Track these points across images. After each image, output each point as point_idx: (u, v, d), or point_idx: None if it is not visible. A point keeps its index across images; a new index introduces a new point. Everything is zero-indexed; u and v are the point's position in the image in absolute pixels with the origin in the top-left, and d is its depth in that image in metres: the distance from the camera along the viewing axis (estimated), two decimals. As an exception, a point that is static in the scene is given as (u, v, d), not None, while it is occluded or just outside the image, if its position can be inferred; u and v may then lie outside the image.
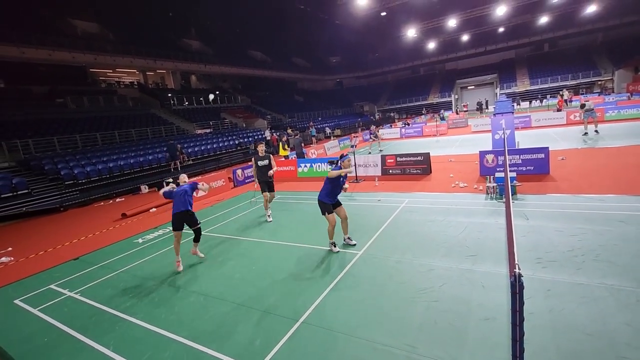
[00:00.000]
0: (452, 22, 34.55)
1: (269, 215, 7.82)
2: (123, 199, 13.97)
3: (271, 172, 7.54)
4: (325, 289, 4.35)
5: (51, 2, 24.57)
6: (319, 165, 12.84)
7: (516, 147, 10.13)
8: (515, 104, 30.71)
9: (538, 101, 33.88)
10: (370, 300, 4.01)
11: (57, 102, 23.23)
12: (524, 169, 8.81)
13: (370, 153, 15.64)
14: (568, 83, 37.37)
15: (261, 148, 7.77)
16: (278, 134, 23.50)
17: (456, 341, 3.14)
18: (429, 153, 10.81)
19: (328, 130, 32.93)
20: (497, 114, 15.99)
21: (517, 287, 1.94)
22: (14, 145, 15.56)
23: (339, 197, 5.49)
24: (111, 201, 13.74)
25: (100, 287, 5.44)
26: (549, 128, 18.27)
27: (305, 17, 37.01)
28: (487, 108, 37.19)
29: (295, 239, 6.38)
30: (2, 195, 12.50)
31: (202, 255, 5.99)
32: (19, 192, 12.98)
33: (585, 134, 13.85)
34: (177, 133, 24.06)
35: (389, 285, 4.29)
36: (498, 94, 40.65)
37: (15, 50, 20.35)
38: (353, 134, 25.97)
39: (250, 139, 25.45)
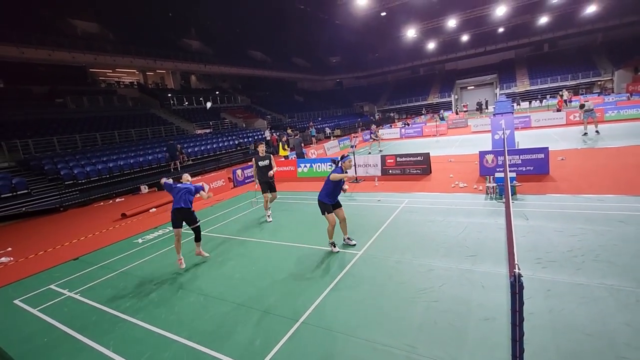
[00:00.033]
0: (452, 23, 34.57)
1: (268, 216, 7.82)
2: (123, 199, 13.97)
3: (271, 172, 7.53)
4: (325, 289, 4.36)
5: (51, 2, 24.57)
6: (318, 166, 12.84)
7: (516, 148, 10.13)
8: (515, 104, 30.72)
9: (538, 101, 33.90)
10: (370, 300, 4.01)
11: (57, 102, 23.23)
12: (524, 169, 8.81)
13: (370, 153, 15.65)
14: (568, 83, 37.39)
15: (261, 148, 7.76)
16: (278, 134, 23.50)
17: (456, 341, 3.14)
18: (428, 153, 10.81)
19: (328, 131, 32.94)
20: (497, 114, 15.99)
21: (516, 287, 1.94)
22: (13, 145, 15.56)
23: (339, 198, 5.50)
24: (111, 201, 13.74)
25: (100, 287, 5.44)
26: (548, 128, 18.28)
27: (305, 17, 37.03)
28: (486, 108, 37.21)
29: (295, 239, 6.38)
30: (2, 195, 12.50)
31: (206, 254, 5.98)
32: (18, 192, 12.98)
33: (585, 134, 13.86)
34: (177, 133, 24.07)
35: (389, 285, 4.29)
36: (498, 94, 40.67)
37: (15, 50, 20.35)
38: (353, 134, 25.98)
39: (250, 139, 25.45)
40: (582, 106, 14.13)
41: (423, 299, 3.86)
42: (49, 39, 22.28)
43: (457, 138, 19.24)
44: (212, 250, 6.31)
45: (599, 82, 36.64)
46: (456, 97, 46.49)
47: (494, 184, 7.41)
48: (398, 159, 11.14)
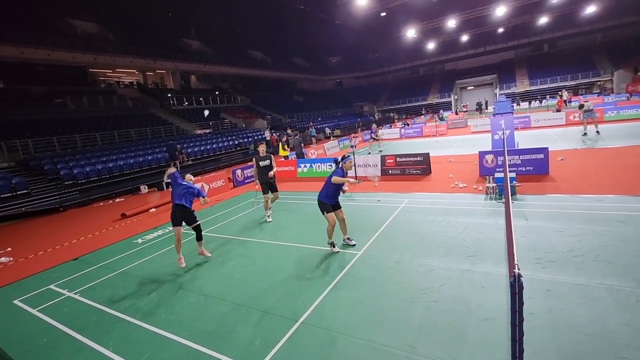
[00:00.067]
0: (451, 23, 34.60)
1: (268, 216, 7.82)
2: (122, 199, 13.97)
3: (271, 173, 7.52)
4: (324, 289, 4.36)
5: (51, 2, 24.56)
6: (318, 166, 12.84)
7: (515, 148, 10.13)
8: (514, 105, 30.73)
9: (537, 102, 33.91)
10: (370, 300, 4.01)
11: (57, 102, 23.22)
12: (524, 169, 8.81)
13: (370, 153, 15.65)
14: (567, 83, 37.42)
15: (262, 148, 7.74)
16: (278, 134, 23.50)
17: (456, 341, 3.14)
18: (428, 153, 10.82)
19: (328, 131, 32.94)
20: (497, 114, 15.99)
21: (516, 287, 1.94)
22: (13, 145, 15.55)
23: (339, 199, 5.50)
24: (111, 201, 13.74)
25: (100, 287, 5.43)
26: (548, 128, 18.29)
27: (305, 17, 37.04)
28: (486, 108, 37.23)
29: (295, 239, 6.38)
30: (2, 196, 12.49)
31: (209, 254, 5.97)
32: (18, 192, 12.98)
33: (585, 134, 13.86)
34: (177, 133, 24.06)
35: (389, 285, 4.29)
36: (497, 95, 40.70)
37: (15, 50, 20.34)
38: (353, 134, 25.98)
39: (249, 139, 25.44)
40: (581, 106, 14.13)
41: (423, 299, 3.86)
42: (49, 39, 22.28)
43: (457, 138, 19.24)
44: (212, 251, 6.31)
45: (599, 83, 36.67)
46: (456, 97, 46.51)
47: (494, 184, 7.41)
48: (398, 159, 11.15)
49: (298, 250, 5.84)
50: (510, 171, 7.65)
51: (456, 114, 34.73)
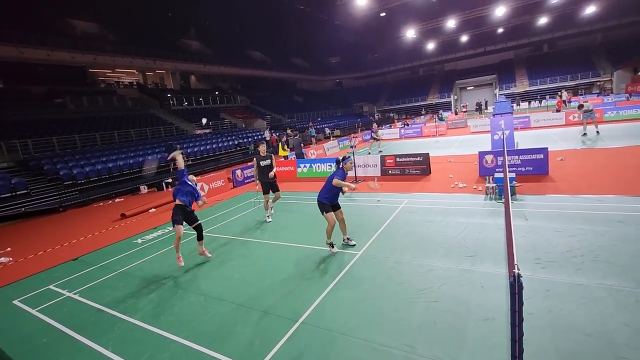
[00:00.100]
0: (451, 23, 34.61)
1: (268, 216, 7.82)
2: (122, 199, 13.96)
3: (272, 173, 7.51)
4: (324, 290, 4.36)
5: (51, 2, 24.55)
6: (318, 166, 12.85)
7: (515, 148, 10.14)
8: (514, 105, 30.74)
9: (537, 102, 33.93)
10: (370, 300, 4.01)
11: (56, 102, 23.21)
12: (523, 169, 8.82)
13: (369, 153, 15.66)
14: (567, 84, 37.45)
15: (263, 148, 7.72)
16: (277, 134, 23.51)
17: (455, 342, 3.14)
18: (428, 153, 10.82)
19: (327, 131, 32.95)
20: (496, 114, 16.00)
21: (516, 287, 1.94)
22: (12, 146, 15.54)
23: (338, 199, 5.50)
24: (110, 201, 13.73)
25: (100, 287, 5.43)
26: (548, 129, 18.30)
27: (304, 17, 37.04)
28: (486, 109, 37.24)
29: (295, 239, 6.38)
30: (1, 196, 12.48)
31: (209, 254, 5.97)
32: (17, 193, 12.97)
33: (584, 134, 13.88)
34: (177, 133, 24.06)
35: (388, 285, 4.29)
36: (497, 95, 40.71)
37: (14, 50, 20.33)
38: (352, 135, 26.00)
39: (249, 139, 25.44)
40: (580, 106, 14.15)
41: (422, 300, 3.86)
42: (49, 39, 22.27)
43: (457, 138, 19.25)
44: (211, 251, 6.30)
45: (598, 83, 36.70)
46: (455, 97, 46.52)
47: (494, 184, 7.42)
48: (397, 159, 11.15)
49: (298, 250, 5.84)
50: (509, 171, 7.66)
51: (456, 114, 34.74)
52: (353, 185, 5.18)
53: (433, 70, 52.33)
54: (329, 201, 5.26)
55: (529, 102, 33.76)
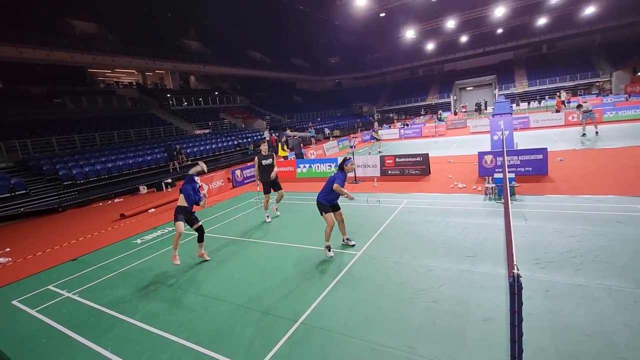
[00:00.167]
0: (450, 23, 34.64)
1: (268, 216, 7.81)
2: (122, 199, 13.94)
3: (273, 173, 7.51)
4: (324, 290, 4.35)
5: (51, 2, 24.54)
6: (317, 166, 12.85)
7: (515, 148, 10.15)
8: (514, 105, 30.76)
9: (536, 102, 33.98)
10: (369, 300, 4.01)
11: (56, 102, 23.19)
12: (523, 169, 8.83)
13: (370, 154, 15.67)
14: (566, 84, 37.49)
15: (264, 147, 7.71)
16: (277, 134, 23.50)
17: (455, 342, 3.14)
18: (427, 154, 10.83)
19: (327, 131, 32.95)
20: (496, 114, 16.03)
21: (515, 287, 1.94)
22: (12, 146, 15.52)
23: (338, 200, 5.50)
24: (110, 202, 13.71)
25: (99, 287, 5.42)
26: (547, 129, 18.32)
27: (304, 17, 37.07)
28: (485, 109, 37.27)
29: (295, 239, 6.38)
30: (0, 196, 12.46)
31: (208, 257, 5.96)
32: (17, 193, 12.95)
33: (584, 135, 13.90)
34: (176, 133, 24.04)
35: (388, 286, 4.29)
36: (497, 95, 40.75)
37: (14, 50, 20.32)
38: (352, 135, 25.99)
39: (249, 139, 25.45)
40: (579, 106, 14.17)
41: (422, 300, 3.86)
42: (48, 39, 22.26)
43: (456, 139, 19.27)
44: (211, 251, 6.30)
45: (598, 83, 36.75)
46: (455, 97, 46.55)
47: (493, 185, 7.42)
48: (397, 159, 11.15)
49: (297, 250, 5.84)
50: (509, 172, 7.66)
51: (455, 114, 34.77)
52: (352, 195, 5.18)
53: (432, 70, 52.37)
54: (328, 202, 5.26)
55: (529, 103, 33.79)
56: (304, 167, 13.24)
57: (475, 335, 3.20)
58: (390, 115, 46.71)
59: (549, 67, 40.66)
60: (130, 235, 8.22)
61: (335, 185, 5.10)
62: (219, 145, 22.73)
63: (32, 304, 5.07)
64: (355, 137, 15.07)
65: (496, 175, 7.49)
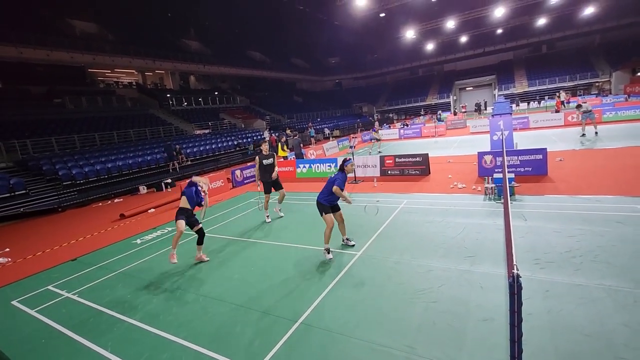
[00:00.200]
0: (450, 24, 34.67)
1: (267, 216, 7.81)
2: (121, 199, 13.94)
3: (274, 174, 7.50)
4: (324, 290, 4.36)
5: (51, 2, 24.53)
6: (317, 166, 12.85)
7: (514, 148, 10.16)
8: (514, 105, 30.76)
9: (536, 102, 34.01)
10: (369, 301, 4.01)
11: (55, 102, 23.19)
12: (522, 170, 8.83)
13: (370, 154, 15.67)
14: (566, 84, 37.54)
15: (265, 147, 7.70)
16: (277, 134, 23.51)
17: (455, 342, 3.15)
18: (427, 154, 10.83)
19: (327, 131, 32.95)
20: (496, 115, 16.04)
21: (515, 288, 1.94)
22: (11, 146, 15.52)
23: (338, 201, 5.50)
24: (109, 202, 13.71)
25: (99, 288, 5.42)
26: (547, 129, 18.33)
27: (304, 18, 37.08)
28: (485, 109, 37.28)
29: (295, 239, 6.38)
30: (0, 196, 12.45)
31: (206, 258, 5.95)
32: (16, 193, 12.94)
33: (583, 135, 13.91)
34: (176, 133, 24.04)
35: (388, 286, 4.29)
36: (496, 95, 40.79)
37: (14, 50, 20.32)
38: (352, 135, 26.00)
39: (249, 139, 25.45)
40: (579, 106, 14.19)
41: (422, 300, 3.87)
42: (48, 39, 22.26)
43: (456, 139, 19.27)
44: (211, 251, 6.30)
45: (597, 84, 36.79)
46: (455, 98, 46.59)
47: (493, 185, 7.43)
48: (397, 159, 11.16)
49: (297, 250, 5.85)
50: (509, 172, 7.67)
51: (455, 114, 34.79)
52: (351, 200, 5.19)
53: (432, 70, 52.42)
54: (329, 203, 5.26)
55: (528, 103, 33.81)
56: (304, 167, 13.25)
57: (475, 335, 3.20)
58: (390, 115, 46.73)
59: (548, 68, 40.71)
60: (130, 235, 8.22)
61: (334, 188, 5.10)
62: (219, 146, 22.73)
63: (31, 304, 5.07)
64: (355, 138, 15.09)
65: (496, 176, 7.50)
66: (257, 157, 7.60)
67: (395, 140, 23.55)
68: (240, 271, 5.32)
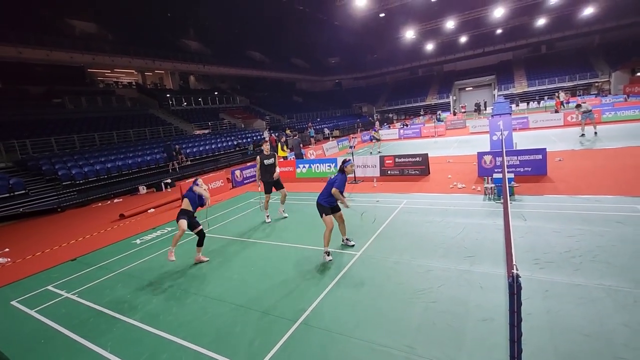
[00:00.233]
0: (450, 24, 34.68)
1: (267, 216, 7.81)
2: (121, 199, 13.93)
3: (276, 174, 7.50)
4: (323, 290, 4.36)
5: (50, 2, 24.51)
6: (317, 166, 12.85)
7: (514, 148, 10.16)
8: (513, 105, 30.78)
9: (536, 102, 34.03)
10: (369, 301, 4.01)
11: (55, 102, 23.19)
12: (522, 170, 8.84)
13: (371, 153, 15.68)
14: (565, 84, 37.57)
15: (266, 147, 7.69)
16: (277, 134, 23.51)
17: (454, 342, 3.15)
18: (427, 154, 10.84)
19: (327, 131, 32.95)
20: (495, 115, 16.05)
21: (514, 288, 1.95)
22: (11, 146, 15.51)
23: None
24: (109, 202, 13.70)
25: (98, 288, 5.42)
26: (546, 129, 18.34)
27: (304, 18, 37.09)
28: (485, 109, 37.30)
29: (294, 240, 6.38)
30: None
31: (206, 259, 5.95)
32: (16, 193, 12.93)
33: (582, 135, 13.92)
34: (176, 133, 24.03)
35: (387, 286, 4.29)
36: (496, 96, 40.81)
37: (13, 50, 20.31)
38: (352, 135, 26.00)
39: (248, 139, 25.45)
40: (578, 106, 14.20)
41: (421, 300, 3.87)
42: (47, 39, 22.25)
43: (456, 139, 19.28)
44: (211, 251, 6.30)
45: (596, 84, 36.82)
46: (454, 98, 46.61)
47: (492, 185, 7.43)
48: (397, 159, 11.16)
49: (297, 251, 5.85)
50: (508, 172, 7.68)
51: (454, 114, 34.80)
52: (349, 204, 5.19)
53: (432, 71, 52.45)
54: (329, 204, 5.25)
55: (528, 103, 33.84)
56: (304, 167, 13.25)
57: (475, 335, 3.21)
58: (390, 115, 46.74)
59: (548, 68, 40.75)
60: (129, 235, 8.21)
61: (333, 190, 5.09)
62: (219, 146, 22.72)
63: (31, 305, 5.07)
64: (355, 138, 15.09)
65: (495, 176, 7.50)
66: (258, 157, 7.59)
67: (395, 140, 23.56)
68: (240, 271, 5.32)
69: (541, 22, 37.29)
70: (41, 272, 6.40)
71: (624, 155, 9.58)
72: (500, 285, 3.94)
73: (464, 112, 36.50)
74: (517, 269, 1.97)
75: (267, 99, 42.63)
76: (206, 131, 25.95)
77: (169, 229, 8.17)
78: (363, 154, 16.16)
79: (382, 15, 33.51)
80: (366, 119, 44.47)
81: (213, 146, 22.28)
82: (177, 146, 18.87)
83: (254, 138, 25.87)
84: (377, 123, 19.39)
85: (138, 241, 7.65)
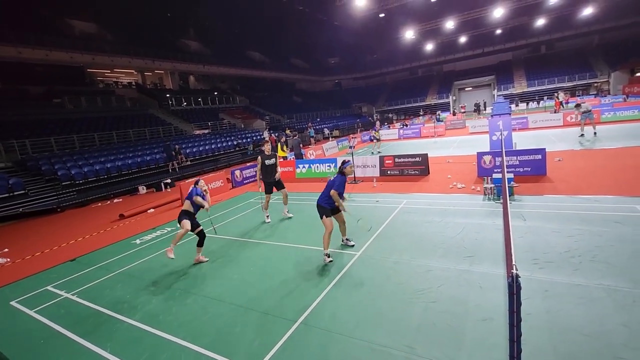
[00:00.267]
0: (450, 24, 34.72)
1: (267, 216, 7.80)
2: (121, 199, 13.92)
3: (277, 175, 7.50)
4: (323, 290, 4.36)
5: (50, 2, 24.50)
6: (317, 166, 12.85)
7: (513, 149, 10.17)
8: (513, 106, 30.80)
9: (535, 103, 34.06)
10: (369, 301, 4.02)
11: (55, 102, 23.17)
12: (522, 170, 8.85)
13: (372, 154, 15.68)
14: (565, 85, 37.61)
15: (267, 147, 7.69)
16: (277, 134, 23.51)
17: (454, 342, 3.15)
18: (427, 154, 10.84)
19: (326, 131, 32.96)
20: (495, 115, 16.05)
21: (514, 287, 1.95)
22: (10, 146, 15.49)
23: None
24: (109, 202, 13.69)
25: (98, 288, 5.42)
26: (546, 129, 18.36)
27: (304, 18, 37.09)
28: (484, 109, 37.32)
29: (294, 240, 6.38)
30: (-1, 196, 12.45)
31: (205, 259, 5.95)
32: (15, 193, 12.93)
33: (582, 135, 13.93)
34: (176, 133, 24.02)
35: (387, 286, 4.29)
36: (495, 96, 40.84)
37: (13, 50, 20.29)
38: (352, 135, 26.01)
39: (248, 139, 25.45)
40: (578, 106, 14.21)
41: (421, 300, 3.87)
42: (47, 39, 22.24)
43: (455, 139, 19.29)
44: (211, 251, 6.30)
45: (596, 84, 36.86)
46: (454, 98, 46.63)
47: (492, 185, 7.44)
48: (396, 159, 11.17)
49: (297, 251, 5.85)
50: (508, 172, 7.68)
51: (454, 114, 34.81)
52: (346, 208, 5.19)
53: (432, 71, 52.47)
54: (329, 205, 5.24)
55: (527, 103, 33.85)
56: (303, 167, 13.25)
57: (474, 335, 3.21)
58: (390, 115, 46.75)
59: (547, 68, 40.79)
60: (129, 235, 8.21)
61: (332, 192, 5.08)
62: (219, 146, 22.72)
63: (30, 305, 5.06)
64: (355, 138, 15.09)
65: (495, 176, 7.51)
66: (259, 157, 7.58)
67: (395, 140, 23.57)
68: (240, 271, 5.32)
69: (541, 22, 37.34)
70: (41, 272, 6.39)
71: (623, 156, 9.59)
72: (500, 285, 3.94)
73: (464, 112, 36.52)
74: (516, 269, 1.98)
75: (266, 99, 42.63)
76: (206, 131, 25.94)
77: (169, 229, 8.17)
78: (363, 154, 16.16)
79: (381, 15, 33.54)
80: (366, 119, 44.50)
81: (213, 146, 22.27)
82: (176, 146, 18.86)
83: (254, 138, 25.86)
84: (377, 123, 19.37)
85: (138, 241, 7.65)
